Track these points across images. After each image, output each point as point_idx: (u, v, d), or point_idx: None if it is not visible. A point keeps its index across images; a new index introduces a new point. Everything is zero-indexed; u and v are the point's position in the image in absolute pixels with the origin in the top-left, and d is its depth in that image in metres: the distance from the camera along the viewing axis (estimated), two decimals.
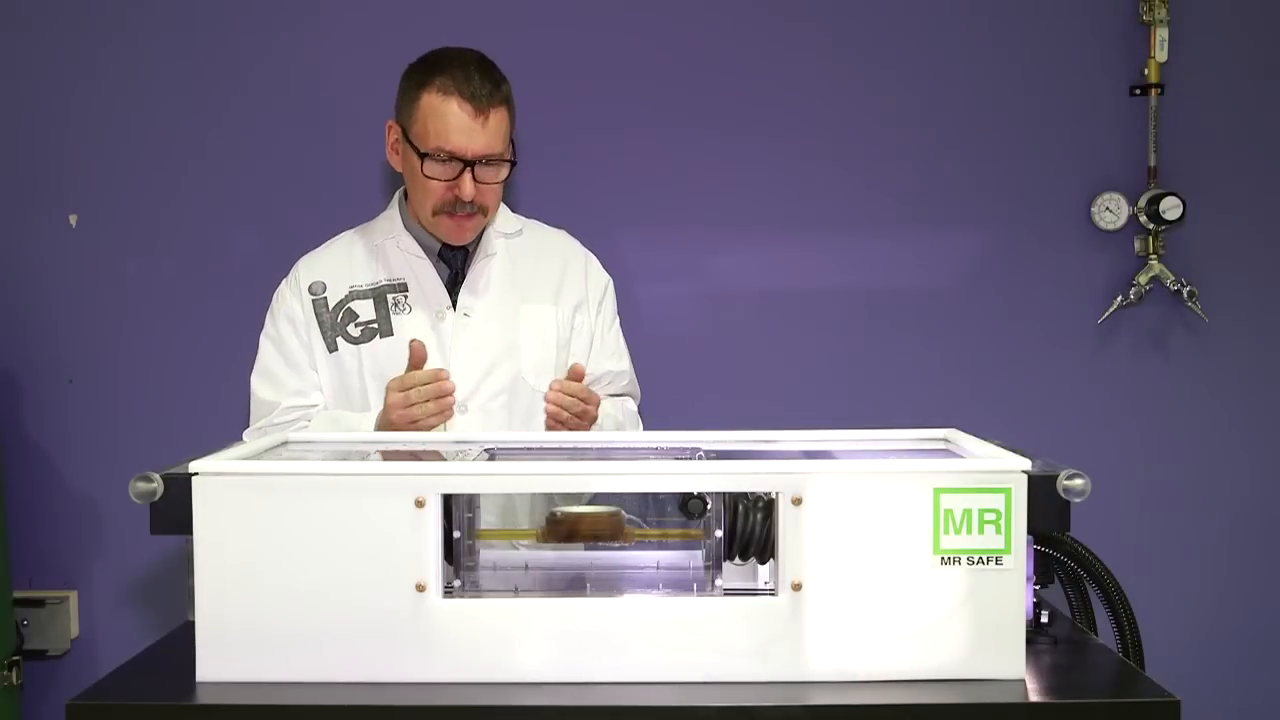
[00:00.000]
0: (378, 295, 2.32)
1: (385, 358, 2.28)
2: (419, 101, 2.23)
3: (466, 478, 1.55)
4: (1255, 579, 3.03)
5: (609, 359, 2.42)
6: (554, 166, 2.97)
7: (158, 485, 1.47)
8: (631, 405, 2.46)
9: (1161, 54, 2.92)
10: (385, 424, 2.12)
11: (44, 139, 2.98)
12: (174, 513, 1.47)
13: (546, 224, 2.51)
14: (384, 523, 1.47)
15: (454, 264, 2.35)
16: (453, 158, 2.20)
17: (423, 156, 2.21)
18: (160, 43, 2.96)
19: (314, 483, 1.48)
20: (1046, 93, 2.98)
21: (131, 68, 2.96)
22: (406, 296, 2.32)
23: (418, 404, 2.06)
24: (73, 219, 2.98)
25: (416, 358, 2.10)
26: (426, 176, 2.22)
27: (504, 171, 2.27)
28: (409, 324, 2.30)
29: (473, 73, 2.21)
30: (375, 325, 2.31)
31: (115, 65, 2.96)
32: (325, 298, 2.32)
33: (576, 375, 2.15)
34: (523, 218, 2.47)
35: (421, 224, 2.31)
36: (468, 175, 2.21)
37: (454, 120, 2.19)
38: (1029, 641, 1.51)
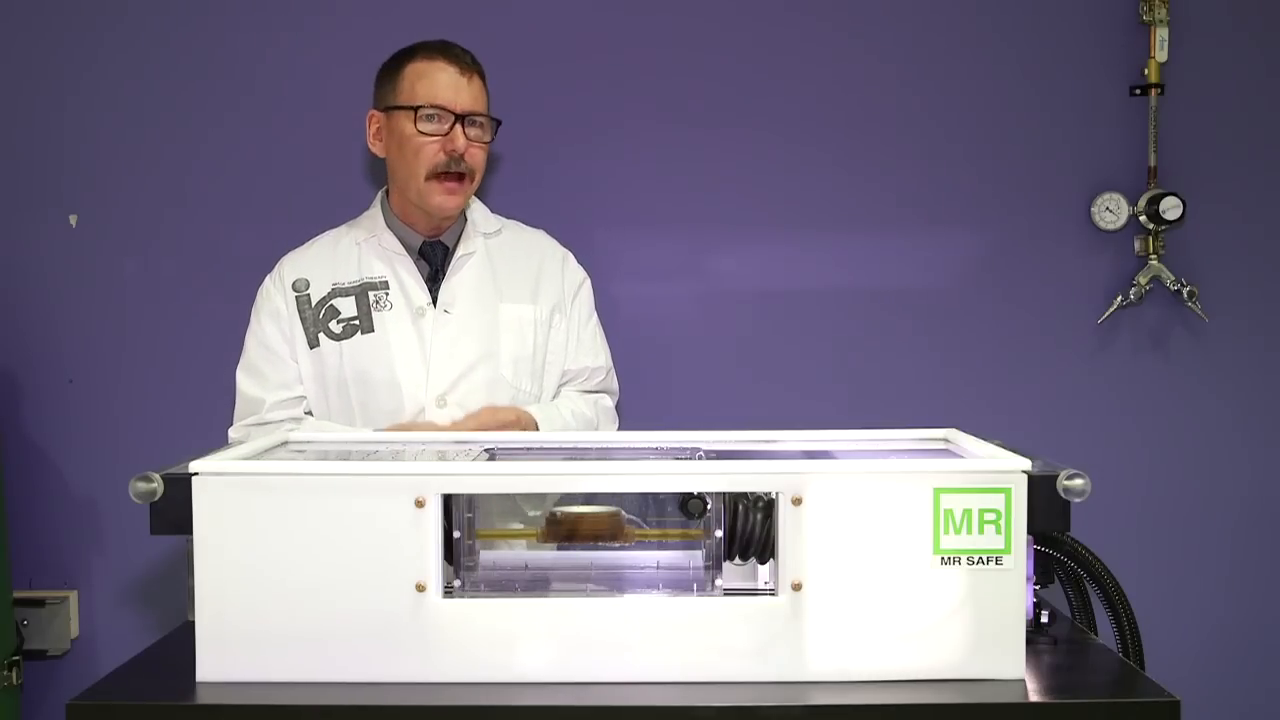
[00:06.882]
0: (359, 292, 2.36)
1: (366, 354, 2.32)
2: (404, 72, 2.33)
3: (466, 478, 1.55)
4: (1255, 579, 3.03)
5: (585, 355, 2.47)
6: (559, 164, 2.97)
7: (158, 485, 1.47)
8: (608, 401, 2.51)
9: (1161, 54, 2.92)
10: None
11: (44, 139, 2.98)
12: (174, 513, 1.47)
13: (531, 223, 2.56)
14: (384, 523, 1.47)
15: (434, 262, 2.39)
16: (443, 112, 2.29)
17: (416, 111, 2.29)
18: (160, 43, 2.96)
19: (314, 483, 1.48)
20: (1046, 93, 2.98)
21: (131, 68, 2.96)
22: (388, 294, 2.35)
23: None
24: (73, 219, 2.98)
25: None
26: (420, 132, 2.29)
27: (489, 132, 2.35)
28: (390, 321, 2.34)
29: (450, 45, 2.35)
30: (357, 322, 2.34)
31: (115, 65, 2.96)
32: (308, 294, 2.36)
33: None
34: (502, 218, 2.52)
35: (411, 200, 2.35)
36: (459, 129, 2.30)
37: (442, 76, 2.31)
38: (1029, 641, 1.52)
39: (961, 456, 1.66)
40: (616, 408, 2.54)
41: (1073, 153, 2.98)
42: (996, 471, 1.49)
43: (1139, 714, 1.43)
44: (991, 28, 2.98)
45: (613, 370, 2.53)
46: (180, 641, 1.55)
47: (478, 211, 2.47)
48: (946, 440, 1.79)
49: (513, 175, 2.95)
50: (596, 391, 2.49)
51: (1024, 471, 1.48)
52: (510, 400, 2.35)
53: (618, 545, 1.61)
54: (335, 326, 2.34)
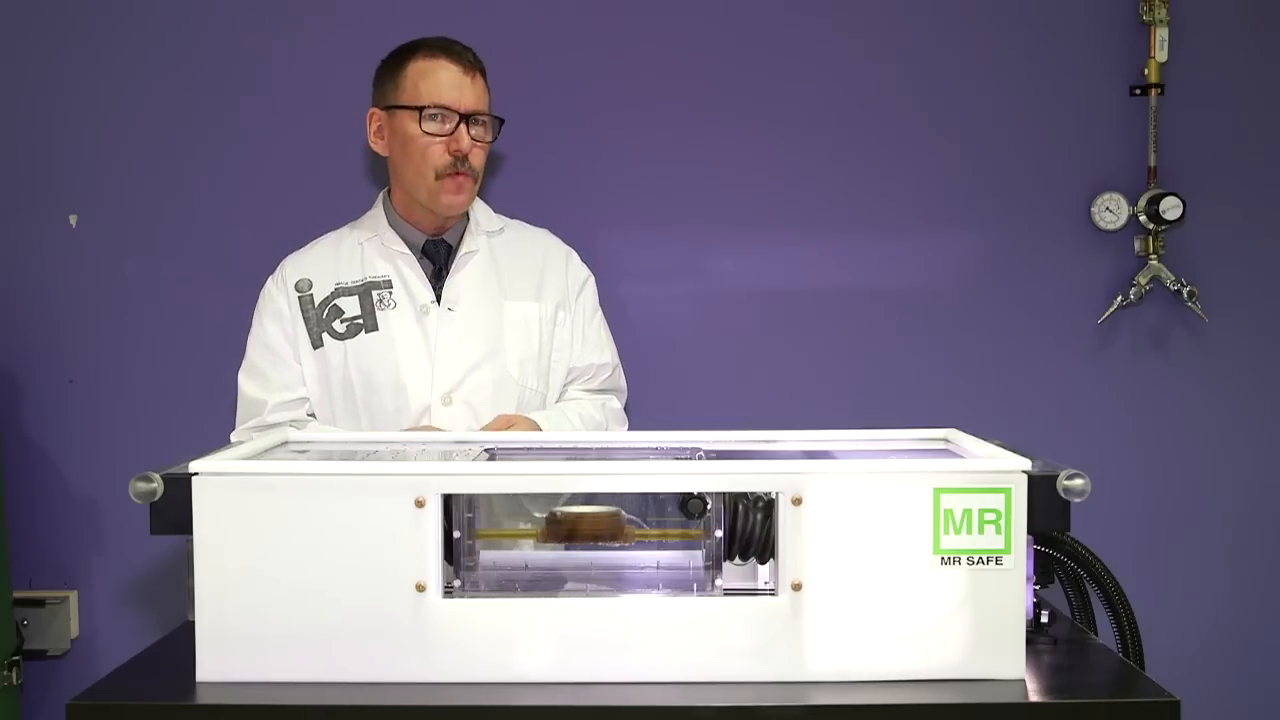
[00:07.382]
0: (363, 291, 2.35)
1: (370, 353, 2.32)
2: (406, 70, 2.32)
3: (466, 478, 1.55)
4: (1255, 579, 3.03)
5: (591, 352, 2.46)
6: (562, 165, 2.97)
7: (158, 485, 1.47)
8: (615, 403, 2.49)
9: (1161, 54, 2.92)
10: None
11: (44, 139, 2.98)
12: (174, 513, 1.47)
13: (535, 223, 2.56)
14: (384, 523, 1.47)
15: (437, 260, 2.39)
16: (447, 112, 2.29)
17: (421, 111, 2.28)
18: (160, 43, 2.96)
19: (314, 483, 1.48)
20: (1046, 93, 2.98)
21: (131, 68, 2.97)
22: (391, 292, 2.35)
23: None
24: (73, 219, 2.98)
25: None
26: (425, 133, 2.28)
27: (492, 131, 2.36)
28: (394, 319, 2.33)
29: (452, 43, 2.35)
30: (361, 321, 2.33)
31: (115, 65, 2.97)
32: (311, 295, 2.36)
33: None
34: (505, 217, 2.51)
35: (419, 200, 2.34)
36: (464, 129, 2.30)
37: (445, 76, 2.30)
38: (1029, 641, 1.51)
39: (961, 456, 1.66)
40: (624, 407, 2.53)
41: (1073, 153, 2.98)
42: (996, 471, 1.49)
43: (1139, 714, 1.43)
44: (991, 28, 2.98)
45: (619, 367, 2.52)
46: (180, 641, 1.55)
47: (480, 210, 2.46)
48: (946, 440, 1.79)
49: (516, 176, 2.95)
50: (603, 390, 2.48)
51: (1024, 471, 1.48)
52: (518, 399, 2.34)
53: (618, 545, 1.61)
54: (339, 326, 2.33)
